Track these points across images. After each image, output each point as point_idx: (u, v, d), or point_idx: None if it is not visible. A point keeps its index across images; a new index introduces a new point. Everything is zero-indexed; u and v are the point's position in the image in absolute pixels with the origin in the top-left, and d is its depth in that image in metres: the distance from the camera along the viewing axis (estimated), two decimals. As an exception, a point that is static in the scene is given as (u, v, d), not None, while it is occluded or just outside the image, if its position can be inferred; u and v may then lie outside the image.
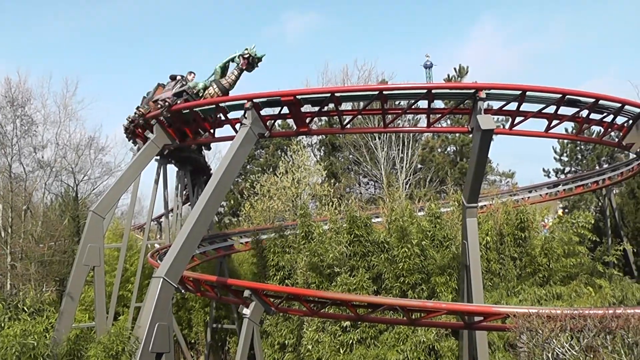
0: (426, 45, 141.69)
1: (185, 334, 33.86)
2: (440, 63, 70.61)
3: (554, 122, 20.48)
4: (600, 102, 19.88)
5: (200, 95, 21.28)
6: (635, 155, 24.41)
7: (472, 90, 18.46)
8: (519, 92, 19.00)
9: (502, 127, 29.99)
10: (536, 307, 20.23)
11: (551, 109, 19.95)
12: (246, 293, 19.11)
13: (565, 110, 20.43)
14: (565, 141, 48.46)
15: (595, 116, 20.99)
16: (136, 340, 14.73)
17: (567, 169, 50.66)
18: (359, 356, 23.06)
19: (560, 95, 19.14)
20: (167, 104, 21.00)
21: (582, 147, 48.70)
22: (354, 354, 23.27)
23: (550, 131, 20.77)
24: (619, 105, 20.14)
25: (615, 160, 43.07)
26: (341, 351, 23.69)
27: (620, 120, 21.37)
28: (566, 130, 30.66)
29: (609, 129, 21.86)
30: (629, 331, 11.65)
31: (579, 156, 49.90)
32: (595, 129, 22.96)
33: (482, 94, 18.06)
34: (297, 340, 25.70)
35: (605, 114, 20.83)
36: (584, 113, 20.60)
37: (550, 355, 11.79)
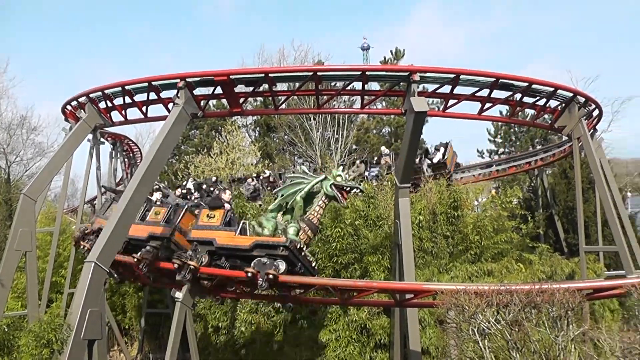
0: (367, 27, 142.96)
1: (119, 319, 33.40)
2: (381, 45, 72.03)
3: (488, 105, 20.84)
4: (534, 86, 20.34)
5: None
6: (567, 137, 25.06)
7: (406, 73, 18.62)
8: (452, 76, 19.30)
9: (436, 109, 30.38)
10: (465, 283, 20.65)
11: (485, 92, 20.31)
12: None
13: (498, 94, 20.83)
14: (499, 123, 49.28)
15: (528, 99, 21.46)
16: (68, 328, 14.37)
17: (501, 150, 51.54)
18: (292, 336, 23.12)
19: (493, 79, 19.48)
20: None
21: (516, 129, 49.56)
22: (287, 334, 23.32)
23: (484, 114, 21.13)
24: (552, 89, 20.66)
25: (548, 142, 44.00)
26: (275, 332, 23.72)
27: (552, 103, 21.94)
28: (500, 112, 31.42)
29: (542, 112, 22.35)
30: (554, 305, 12.00)
31: (513, 138, 50.80)
32: (529, 111, 23.44)
33: (416, 77, 18.32)
34: (230, 323, 25.54)
35: (538, 98, 21.30)
36: (518, 96, 21.06)
37: (476, 330, 12.05)
